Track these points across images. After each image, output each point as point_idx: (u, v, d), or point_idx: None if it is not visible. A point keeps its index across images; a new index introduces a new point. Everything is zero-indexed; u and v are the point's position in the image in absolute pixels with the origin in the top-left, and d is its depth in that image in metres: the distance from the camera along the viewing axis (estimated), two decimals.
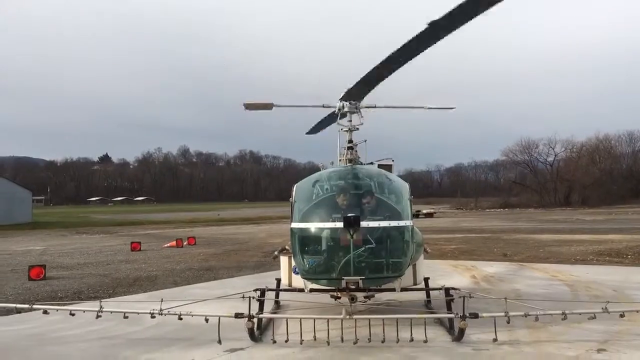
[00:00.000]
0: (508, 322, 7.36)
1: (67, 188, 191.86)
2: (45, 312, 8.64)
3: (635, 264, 17.05)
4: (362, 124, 9.74)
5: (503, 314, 7.33)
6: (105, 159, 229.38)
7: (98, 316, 8.10)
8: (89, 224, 59.77)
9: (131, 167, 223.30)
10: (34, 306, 8.81)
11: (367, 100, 9.58)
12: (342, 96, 9.42)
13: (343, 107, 9.50)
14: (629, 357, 6.85)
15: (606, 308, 7.31)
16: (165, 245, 28.93)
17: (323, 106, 9.80)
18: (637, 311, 7.91)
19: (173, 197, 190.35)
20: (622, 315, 7.51)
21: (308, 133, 11.61)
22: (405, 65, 7.46)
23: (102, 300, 9.06)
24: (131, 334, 8.79)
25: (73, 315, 8.40)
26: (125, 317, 8.13)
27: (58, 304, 9.82)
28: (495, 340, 7.35)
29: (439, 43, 6.68)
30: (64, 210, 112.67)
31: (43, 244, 33.69)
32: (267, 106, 9.71)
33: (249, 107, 9.82)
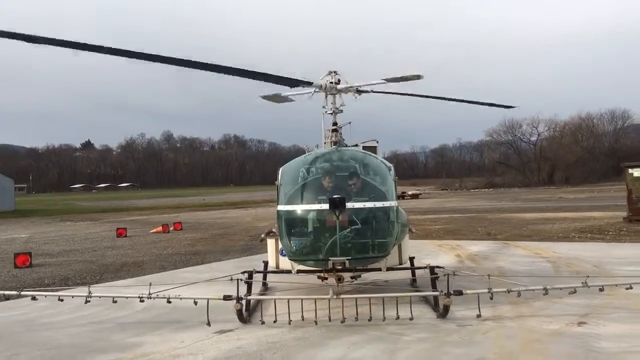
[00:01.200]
0: (491, 299, 7.53)
1: (50, 175, 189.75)
2: (33, 298, 8.70)
3: (615, 240, 17.38)
4: (344, 105, 9.78)
5: (486, 290, 7.49)
6: (88, 145, 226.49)
7: (87, 301, 8.14)
8: (73, 211, 59.39)
9: (114, 153, 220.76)
10: (22, 292, 8.85)
11: (351, 81, 9.61)
12: (326, 78, 9.46)
13: (327, 88, 9.51)
14: (607, 330, 7.04)
15: (586, 283, 7.49)
16: (152, 231, 28.88)
17: (313, 86, 9.65)
18: (616, 285, 8.14)
19: (157, 182, 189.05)
20: (601, 290, 7.70)
21: (265, 97, 10.53)
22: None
23: (91, 285, 9.09)
24: (120, 318, 8.84)
25: (62, 300, 8.44)
26: (114, 302, 8.19)
27: (46, 290, 9.83)
28: (479, 316, 7.52)
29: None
30: (47, 198, 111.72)
31: (27, 231, 33.46)
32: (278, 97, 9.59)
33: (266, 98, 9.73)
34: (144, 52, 7.61)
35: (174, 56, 7.73)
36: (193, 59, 8.08)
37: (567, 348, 6.37)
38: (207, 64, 8.37)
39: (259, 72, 8.92)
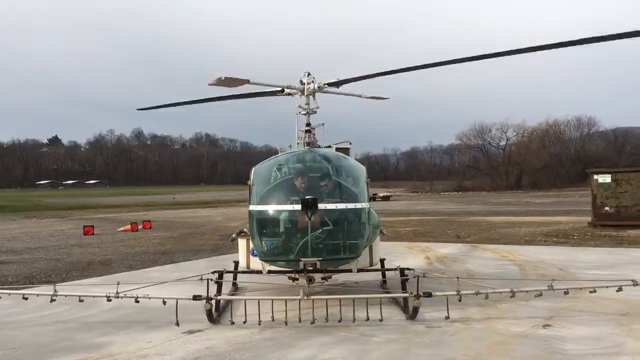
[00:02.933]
0: (460, 301, 7.64)
1: (15, 171, 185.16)
2: None
3: (580, 244, 17.78)
4: (318, 107, 9.79)
5: (455, 292, 7.60)
6: (55, 140, 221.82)
7: (52, 300, 7.99)
8: (39, 208, 58.05)
9: (82, 149, 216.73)
10: None
11: (326, 83, 9.63)
12: (300, 79, 9.49)
13: (303, 90, 9.53)
14: (571, 332, 7.20)
15: (552, 286, 7.66)
16: (120, 229, 28.44)
17: (287, 87, 9.67)
18: (581, 289, 8.33)
19: (127, 180, 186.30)
20: (566, 293, 7.90)
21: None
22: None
23: (56, 284, 8.92)
24: (87, 317, 8.70)
25: (26, 299, 8.28)
26: (81, 301, 8.05)
27: (10, 288, 9.61)
28: (447, 317, 7.64)
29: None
30: (11, 194, 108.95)
31: None
32: (244, 82, 9.14)
33: (224, 82, 8.82)
34: None
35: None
36: None
37: (532, 350, 6.50)
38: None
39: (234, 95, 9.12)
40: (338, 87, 9.75)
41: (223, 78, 8.50)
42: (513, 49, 7.98)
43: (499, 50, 8.02)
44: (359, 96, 10.26)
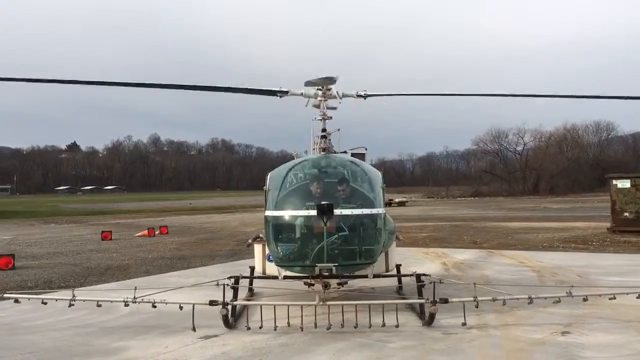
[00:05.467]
0: (477, 307, 7.56)
1: (34, 177, 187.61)
2: (16, 301, 8.61)
3: (599, 250, 17.56)
4: (335, 108, 9.81)
5: (472, 299, 7.53)
6: (74, 147, 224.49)
7: (70, 305, 8.05)
8: (58, 214, 58.77)
9: (100, 155, 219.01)
10: (5, 295, 8.74)
11: (342, 89, 9.67)
12: (317, 84, 9.51)
13: (318, 95, 9.56)
14: (591, 339, 7.11)
15: (570, 292, 7.56)
16: (137, 235, 28.67)
17: (302, 94, 9.72)
18: (600, 295, 8.19)
19: (144, 186, 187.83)
20: (585, 299, 7.78)
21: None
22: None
23: (75, 289, 9.00)
24: (104, 322, 8.77)
25: (45, 304, 8.34)
26: (99, 306, 8.11)
27: (29, 293, 9.72)
28: (464, 324, 7.57)
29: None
30: (31, 200, 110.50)
31: (10, 233, 33.05)
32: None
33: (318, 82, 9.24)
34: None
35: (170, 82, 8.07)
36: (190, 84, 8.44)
37: (550, 357, 6.42)
38: (203, 86, 8.73)
39: (247, 88, 9.08)
40: (365, 99, 9.87)
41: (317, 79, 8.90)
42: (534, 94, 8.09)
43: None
44: (364, 97, 10.27)
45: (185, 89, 10.14)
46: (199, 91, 10.45)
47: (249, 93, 9.88)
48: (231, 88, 9.88)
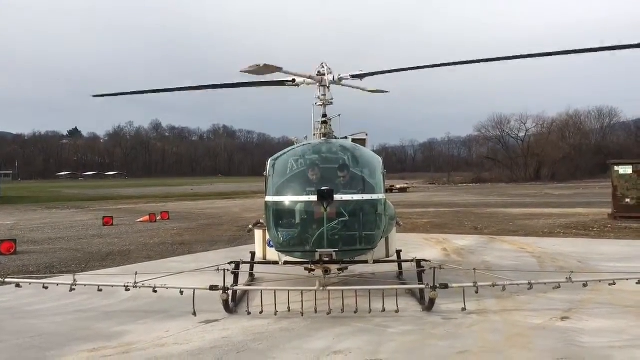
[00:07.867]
0: (477, 292, 7.59)
1: (36, 162, 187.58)
2: (17, 285, 8.63)
3: (600, 236, 17.57)
4: (332, 98, 9.75)
5: (472, 284, 7.55)
6: (75, 132, 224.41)
7: (72, 289, 8.08)
8: (60, 199, 58.83)
9: (102, 141, 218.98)
10: (7, 279, 8.78)
11: (339, 72, 9.62)
12: (316, 69, 9.47)
13: (317, 79, 9.51)
14: (590, 325, 7.13)
15: (570, 278, 7.57)
16: (138, 220, 28.68)
17: (305, 77, 9.65)
18: (600, 281, 8.20)
19: (145, 172, 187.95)
20: (585, 285, 7.79)
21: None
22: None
23: (76, 273, 9.03)
24: (105, 306, 8.81)
25: (46, 288, 8.39)
26: (100, 290, 8.15)
27: (31, 278, 9.76)
28: (464, 309, 7.60)
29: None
30: (33, 185, 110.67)
31: (12, 218, 33.11)
32: (276, 69, 8.99)
33: (260, 70, 8.51)
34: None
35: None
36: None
37: (550, 342, 6.45)
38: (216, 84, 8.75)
39: (248, 82, 9.04)
40: (361, 80, 9.75)
41: (262, 65, 8.30)
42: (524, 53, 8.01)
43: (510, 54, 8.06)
44: (362, 89, 10.22)
45: (202, 89, 10.40)
46: (211, 89, 10.59)
47: (253, 86, 9.93)
48: (237, 84, 9.93)
